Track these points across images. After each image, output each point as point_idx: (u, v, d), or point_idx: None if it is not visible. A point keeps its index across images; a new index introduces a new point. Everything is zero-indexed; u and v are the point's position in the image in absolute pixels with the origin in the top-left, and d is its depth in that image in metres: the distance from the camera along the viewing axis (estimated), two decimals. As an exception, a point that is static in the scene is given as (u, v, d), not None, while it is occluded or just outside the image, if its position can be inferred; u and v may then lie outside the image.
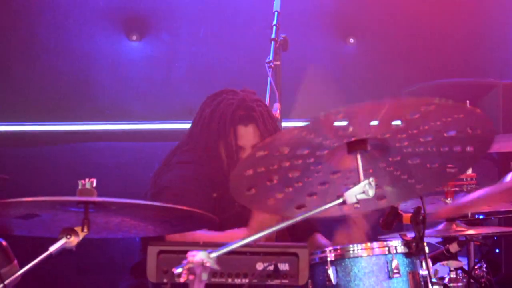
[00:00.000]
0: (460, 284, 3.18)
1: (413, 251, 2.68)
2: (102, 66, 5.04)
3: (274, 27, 4.14)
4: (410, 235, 2.72)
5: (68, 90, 4.97)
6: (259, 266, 2.60)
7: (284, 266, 2.61)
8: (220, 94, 3.36)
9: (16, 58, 4.89)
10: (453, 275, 3.18)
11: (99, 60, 5.04)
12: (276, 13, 4.20)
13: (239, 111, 3.28)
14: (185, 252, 2.09)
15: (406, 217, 2.75)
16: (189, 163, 3.31)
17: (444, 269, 3.19)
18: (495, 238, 4.37)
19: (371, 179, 2.22)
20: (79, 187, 2.49)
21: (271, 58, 4.00)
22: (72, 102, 4.99)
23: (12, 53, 4.87)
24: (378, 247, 2.72)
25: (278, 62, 4.05)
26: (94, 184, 2.49)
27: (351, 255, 2.70)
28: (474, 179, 3.39)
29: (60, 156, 4.94)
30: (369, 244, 2.73)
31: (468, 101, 3.33)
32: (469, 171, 3.51)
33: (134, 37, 5.11)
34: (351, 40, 5.43)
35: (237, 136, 3.27)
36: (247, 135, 3.27)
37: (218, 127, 3.28)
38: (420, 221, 2.66)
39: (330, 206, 2.22)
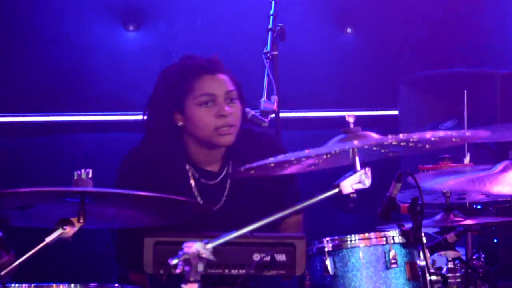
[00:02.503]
0: (458, 274, 3.17)
1: (411, 242, 2.68)
2: (99, 56, 5.03)
3: (272, 17, 4.11)
4: (408, 225, 2.73)
5: (64, 81, 4.95)
6: (256, 257, 2.59)
7: (281, 257, 2.61)
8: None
9: (12, 48, 4.88)
10: (450, 265, 3.18)
11: (96, 50, 5.02)
12: (273, 2, 4.18)
13: (203, 63, 3.08)
14: (181, 243, 2.09)
15: (404, 208, 2.74)
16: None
17: (442, 259, 3.19)
18: (493, 228, 4.37)
19: (367, 168, 2.23)
20: (75, 178, 2.49)
21: (268, 49, 3.97)
22: (69, 93, 4.97)
23: (7, 43, 4.85)
24: (376, 238, 2.72)
25: (275, 52, 4.02)
26: (90, 175, 2.49)
27: (349, 246, 2.71)
28: (471, 169, 3.39)
29: (56, 147, 4.93)
30: (366, 234, 2.73)
31: (465, 91, 3.34)
32: (467, 161, 3.51)
33: (131, 27, 5.09)
34: (349, 30, 5.42)
35: (203, 85, 3.06)
36: (217, 81, 3.07)
37: (180, 83, 3.05)
38: (417, 212, 2.66)
39: (325, 196, 2.23)
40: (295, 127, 5.19)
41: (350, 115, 2.51)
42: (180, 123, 3.08)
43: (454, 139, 2.48)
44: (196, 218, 2.89)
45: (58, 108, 4.94)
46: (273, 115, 3.69)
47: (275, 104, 3.71)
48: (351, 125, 2.48)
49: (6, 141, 4.88)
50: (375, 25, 5.41)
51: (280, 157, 2.37)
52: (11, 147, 4.90)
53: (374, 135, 2.43)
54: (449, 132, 2.46)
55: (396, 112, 5.20)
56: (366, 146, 2.37)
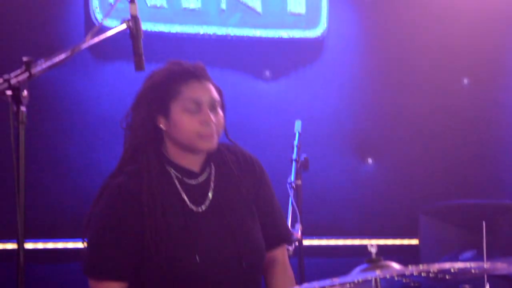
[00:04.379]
0: None
1: None
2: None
3: (295, 148, 4.22)
4: None
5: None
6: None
7: None
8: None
9: (45, 176, 4.98)
10: None
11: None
12: (297, 133, 4.30)
13: (190, 68, 3.00)
14: None
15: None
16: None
17: None
18: None
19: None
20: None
21: (292, 179, 4.06)
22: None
23: (41, 171, 4.96)
24: None
25: (299, 182, 4.11)
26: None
27: None
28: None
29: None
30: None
31: (484, 222, 3.40)
32: (486, 291, 3.54)
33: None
34: (369, 160, 5.53)
35: (190, 91, 2.97)
36: (203, 88, 2.98)
37: (167, 86, 2.98)
38: None
39: None
40: (318, 255, 5.22)
41: (372, 245, 2.58)
42: (162, 126, 3.00)
43: (473, 271, 2.54)
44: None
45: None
46: (297, 243, 3.76)
47: (299, 232, 3.77)
48: (373, 255, 2.56)
49: (39, 268, 4.90)
50: (395, 156, 5.53)
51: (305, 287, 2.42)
52: (44, 274, 4.93)
53: (396, 265, 2.50)
54: (468, 264, 2.51)
55: (416, 242, 5.23)
56: (388, 276, 2.45)
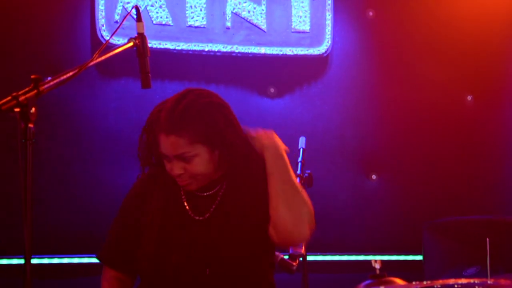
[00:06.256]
0: None
1: None
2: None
3: (300, 164, 4.23)
4: None
5: (99, 223, 4.91)
6: None
7: None
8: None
9: (51, 191, 5.00)
10: None
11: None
12: (301, 150, 4.31)
13: (162, 120, 3.03)
14: None
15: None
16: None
17: None
18: None
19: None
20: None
21: (297, 195, 4.06)
22: (104, 235, 5.05)
23: (49, 189, 4.98)
24: None
25: (303, 198, 4.11)
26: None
27: None
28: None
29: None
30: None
31: (488, 239, 3.42)
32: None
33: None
34: (373, 176, 5.54)
35: (160, 144, 3.04)
36: (167, 142, 3.01)
37: (149, 135, 3.10)
38: None
39: None
40: (322, 270, 5.22)
41: (376, 261, 2.60)
42: None
43: (477, 287, 2.55)
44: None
45: (94, 250, 5.01)
46: (301, 259, 3.77)
47: (303, 248, 3.78)
48: (377, 271, 2.58)
49: (46, 284, 4.92)
50: (399, 172, 5.54)
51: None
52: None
53: (400, 281, 2.52)
54: (471, 280, 2.52)
55: (420, 257, 5.23)
56: (392, 292, 2.47)
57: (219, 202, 3.14)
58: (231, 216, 3.11)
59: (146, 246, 3.10)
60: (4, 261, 4.86)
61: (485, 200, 5.54)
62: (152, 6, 5.14)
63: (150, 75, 2.99)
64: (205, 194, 3.16)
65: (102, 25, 5.04)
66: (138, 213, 3.18)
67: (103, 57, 2.82)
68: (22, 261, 2.50)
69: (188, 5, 5.22)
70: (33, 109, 2.50)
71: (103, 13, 5.03)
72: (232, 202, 3.14)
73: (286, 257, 3.53)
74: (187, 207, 3.14)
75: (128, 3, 5.07)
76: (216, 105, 3.08)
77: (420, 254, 5.22)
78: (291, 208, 3.07)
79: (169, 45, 5.19)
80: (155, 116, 3.06)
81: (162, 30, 5.17)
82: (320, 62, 5.48)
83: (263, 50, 5.34)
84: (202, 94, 3.07)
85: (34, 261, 4.77)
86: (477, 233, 4.60)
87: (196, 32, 5.23)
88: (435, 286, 2.44)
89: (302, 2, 5.40)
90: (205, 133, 3.01)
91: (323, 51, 5.43)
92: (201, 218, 3.12)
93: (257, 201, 3.13)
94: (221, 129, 3.04)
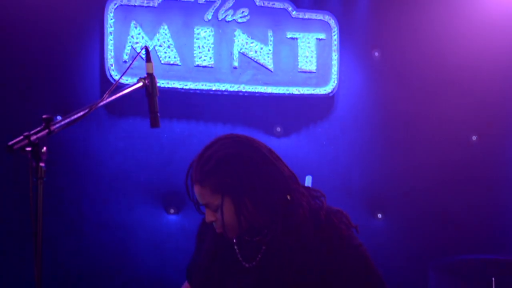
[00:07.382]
0: None
1: None
2: (140, 238, 5.17)
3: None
4: None
5: (108, 261, 5.08)
6: None
7: None
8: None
9: (60, 233, 5.03)
10: None
11: (139, 232, 5.17)
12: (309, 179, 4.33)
13: (191, 171, 2.99)
14: None
15: None
16: None
17: None
18: None
19: None
20: None
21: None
22: (112, 273, 5.09)
23: (59, 228, 5.01)
24: None
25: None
26: None
27: None
28: None
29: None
30: None
31: (493, 278, 3.43)
32: None
33: (172, 211, 5.26)
34: (379, 215, 5.55)
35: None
36: (196, 192, 2.98)
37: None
38: None
39: None
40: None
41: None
42: None
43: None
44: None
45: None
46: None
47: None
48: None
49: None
50: (405, 211, 5.56)
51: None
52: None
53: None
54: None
55: (426, 297, 5.24)
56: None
57: (265, 250, 3.02)
58: (276, 267, 2.98)
59: (193, 286, 3.12)
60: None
61: (491, 240, 5.54)
62: (160, 46, 5.21)
63: (158, 114, 3.01)
64: (255, 239, 3.03)
65: (111, 65, 5.10)
66: (200, 245, 3.22)
67: (113, 97, 2.85)
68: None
69: (196, 45, 5.29)
70: (44, 148, 2.53)
71: (112, 53, 5.10)
72: (276, 252, 2.99)
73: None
74: (236, 250, 3.06)
75: (136, 43, 5.13)
76: (240, 156, 2.95)
77: (426, 294, 5.23)
78: None
79: (177, 85, 5.24)
80: (192, 162, 3.04)
81: (170, 69, 5.23)
82: (326, 101, 5.52)
83: (269, 89, 5.39)
84: (226, 144, 2.98)
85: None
86: (483, 273, 4.60)
87: (203, 71, 5.29)
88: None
89: (309, 43, 5.47)
90: (225, 185, 2.92)
91: (329, 90, 5.48)
92: (247, 265, 3.03)
93: (304, 260, 2.97)
94: (243, 181, 2.91)
